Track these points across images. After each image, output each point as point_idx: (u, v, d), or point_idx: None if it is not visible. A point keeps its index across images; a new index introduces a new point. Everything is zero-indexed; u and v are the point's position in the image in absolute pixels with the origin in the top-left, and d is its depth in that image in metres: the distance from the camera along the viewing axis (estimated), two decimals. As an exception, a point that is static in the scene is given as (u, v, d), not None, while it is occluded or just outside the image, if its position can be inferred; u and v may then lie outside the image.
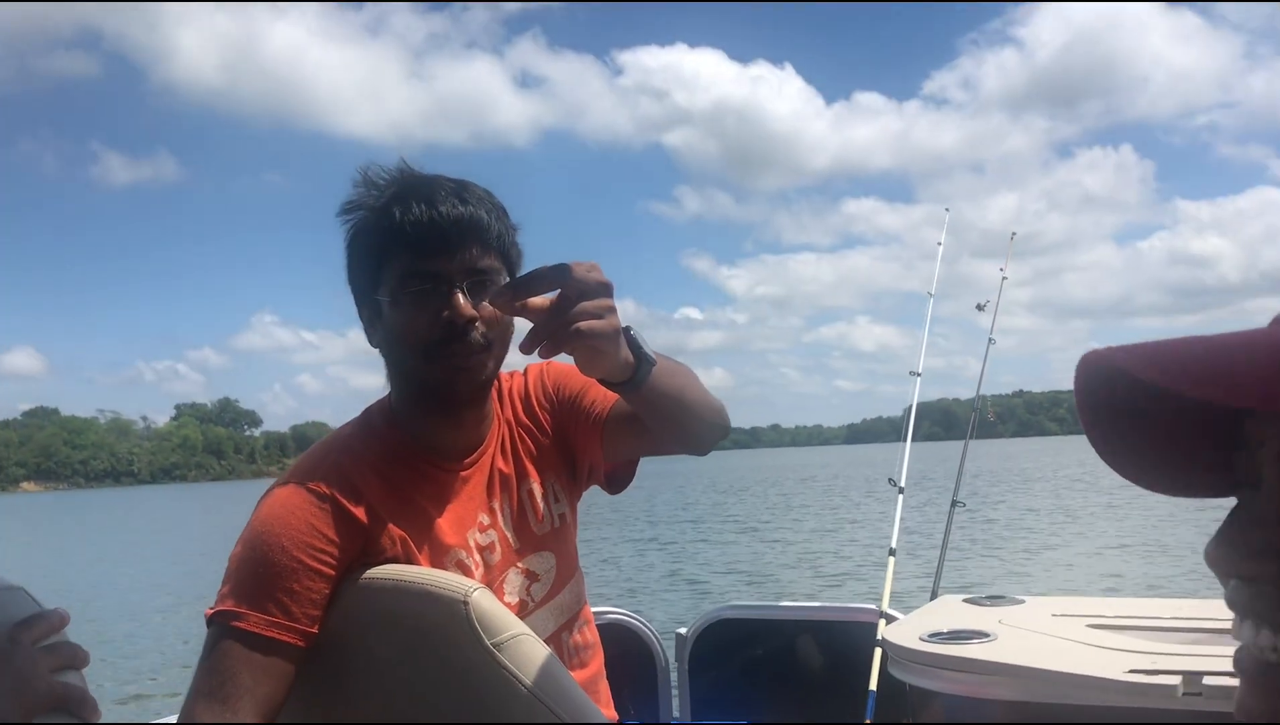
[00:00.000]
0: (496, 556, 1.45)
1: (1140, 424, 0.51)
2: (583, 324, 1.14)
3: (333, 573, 1.31)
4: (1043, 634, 2.05)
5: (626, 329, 1.23)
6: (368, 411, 1.49)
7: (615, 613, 2.70)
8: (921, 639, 2.05)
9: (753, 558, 17.40)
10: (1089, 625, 2.09)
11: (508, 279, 1.36)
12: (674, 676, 2.74)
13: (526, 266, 1.41)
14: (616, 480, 1.61)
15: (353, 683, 1.32)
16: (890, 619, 2.53)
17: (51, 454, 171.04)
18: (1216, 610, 2.01)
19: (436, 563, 1.39)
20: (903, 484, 3.49)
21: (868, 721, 2.47)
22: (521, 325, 1.21)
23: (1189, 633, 1.98)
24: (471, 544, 1.43)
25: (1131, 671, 1.74)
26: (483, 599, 1.24)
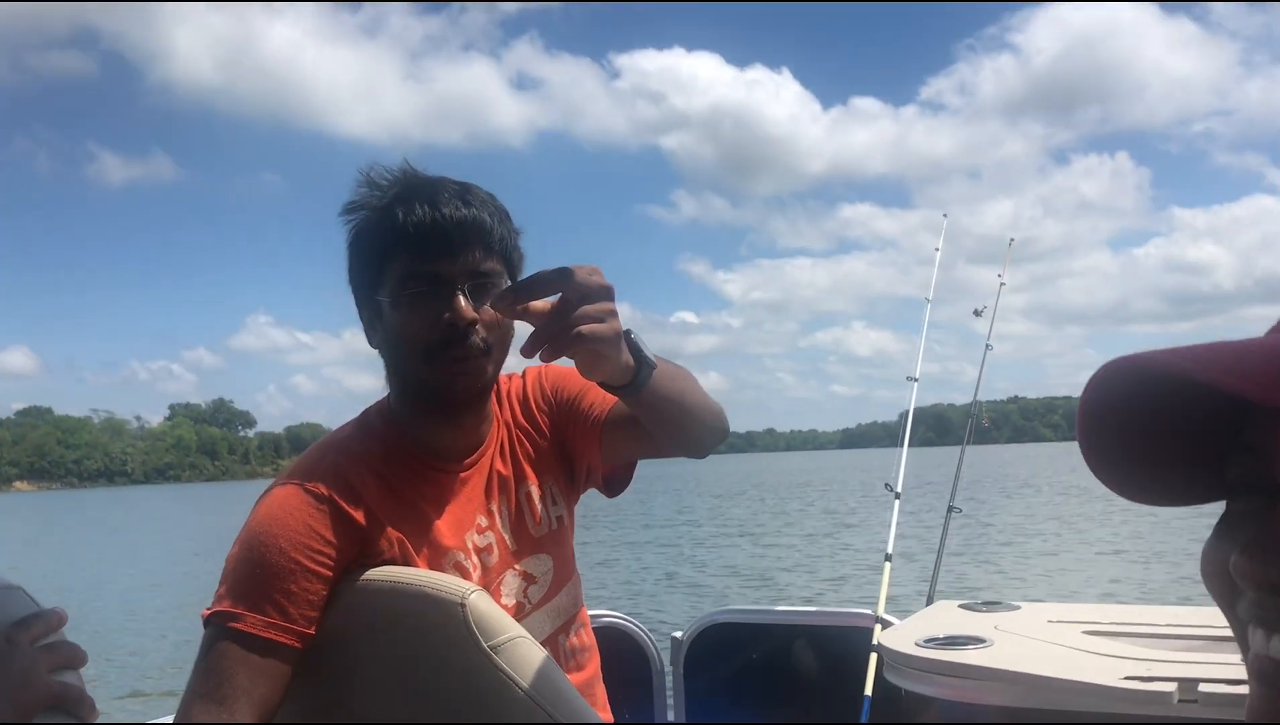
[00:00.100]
0: (494, 558, 1.45)
1: (1130, 437, 0.51)
2: (584, 328, 1.14)
3: (330, 574, 1.31)
4: (1038, 640, 2.05)
5: (627, 332, 1.23)
6: (366, 412, 1.49)
7: (610, 616, 2.70)
8: (917, 644, 2.05)
9: (749, 562, 17.40)
10: (1085, 631, 2.09)
11: (509, 282, 1.36)
12: (669, 680, 2.74)
13: (525, 270, 1.41)
14: (614, 483, 1.60)
15: (349, 684, 1.32)
16: (886, 624, 2.53)
17: (45, 453, 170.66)
18: (1212, 618, 2.01)
19: (435, 564, 1.38)
20: (899, 489, 3.49)
21: (862, 723, 2.46)
22: (522, 329, 1.22)
23: (1185, 639, 1.99)
24: (469, 546, 1.43)
25: (1127, 678, 1.74)
26: (480, 601, 1.24)
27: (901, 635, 2.16)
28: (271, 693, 1.26)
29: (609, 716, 1.59)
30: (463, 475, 1.45)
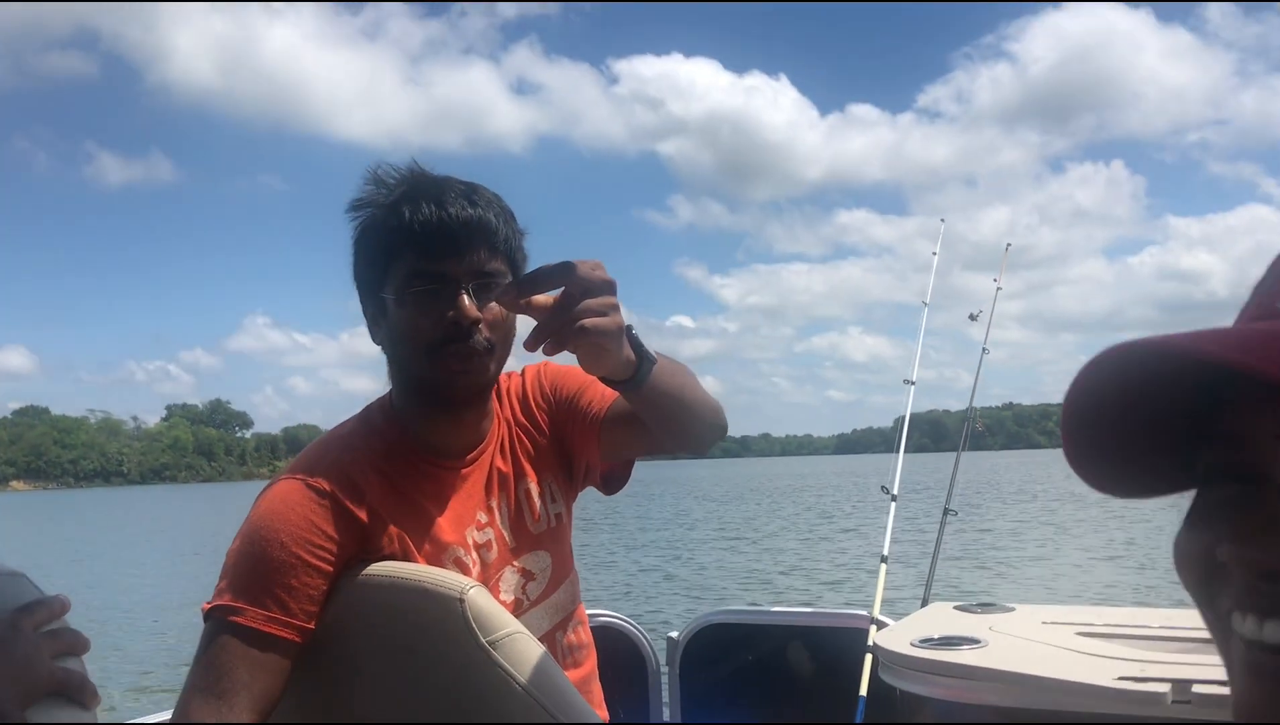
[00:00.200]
0: (493, 555, 1.46)
1: (1105, 429, 0.51)
2: (587, 321, 1.15)
3: (331, 569, 1.31)
4: (1033, 641, 2.06)
5: (628, 327, 1.24)
6: (368, 409, 1.49)
7: (606, 615, 2.70)
8: (912, 644, 2.06)
9: (745, 564, 17.40)
10: (1078, 633, 2.10)
11: None
12: (665, 680, 2.74)
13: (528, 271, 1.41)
14: (612, 481, 1.61)
15: (349, 679, 1.33)
16: (881, 625, 2.53)
17: (41, 453, 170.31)
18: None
19: (435, 560, 1.39)
20: (896, 492, 3.50)
21: (857, 723, 2.47)
22: (524, 325, 1.22)
23: (1178, 641, 1.99)
24: (469, 542, 1.44)
25: (1121, 679, 1.75)
26: (479, 597, 1.25)
27: (896, 636, 2.16)
28: (271, 687, 1.26)
29: (605, 715, 1.59)
30: (463, 472, 1.46)
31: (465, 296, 1.32)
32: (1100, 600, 11.70)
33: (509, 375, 1.56)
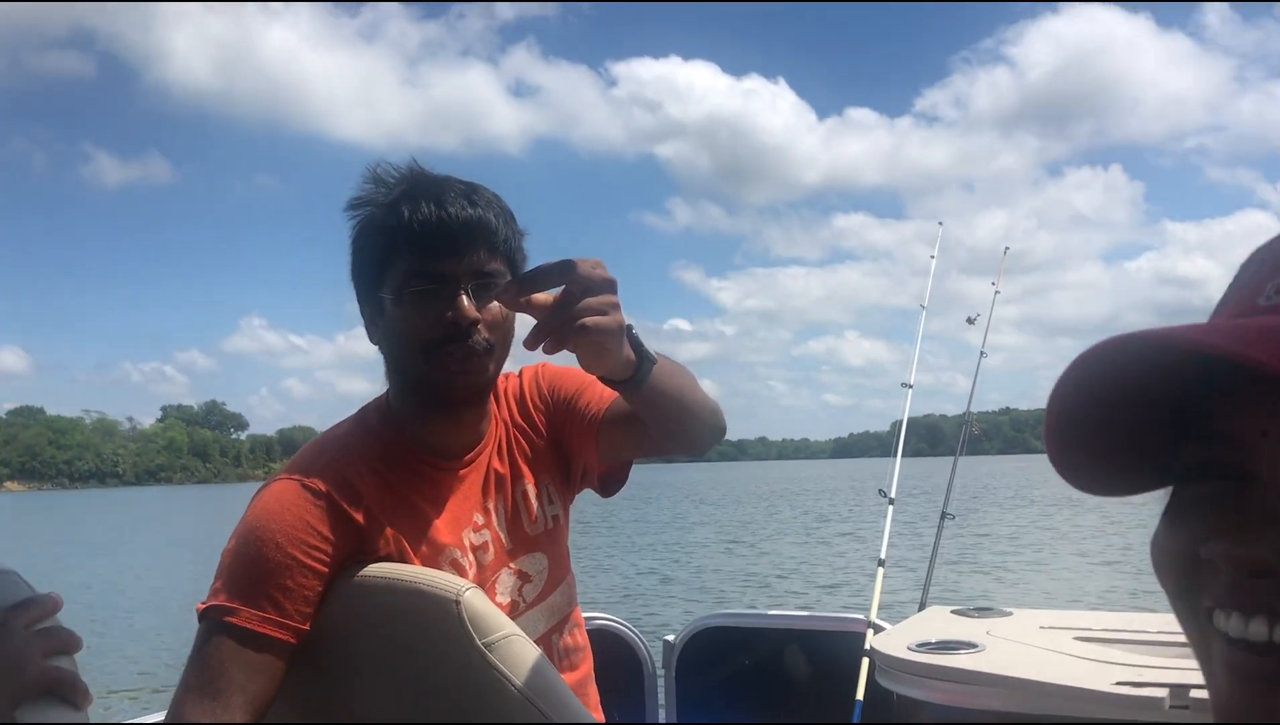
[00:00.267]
0: (490, 556, 1.45)
1: (1087, 426, 0.51)
2: (588, 320, 1.14)
3: (326, 570, 1.31)
4: (1030, 645, 2.06)
5: (629, 327, 1.23)
6: (364, 410, 1.49)
7: (603, 618, 2.70)
8: (909, 649, 2.05)
9: (742, 567, 17.40)
10: (1076, 637, 2.10)
11: None
12: (661, 683, 2.73)
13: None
14: (610, 483, 1.61)
15: (344, 680, 1.32)
16: (878, 629, 2.53)
17: (36, 454, 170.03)
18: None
19: (431, 561, 1.38)
20: (893, 495, 3.50)
21: (854, 723, 2.47)
22: (523, 326, 1.22)
23: (1176, 647, 1.99)
24: (466, 543, 1.43)
25: (1119, 683, 1.75)
26: (475, 599, 1.25)
27: (894, 639, 2.16)
28: (265, 688, 1.25)
29: (601, 718, 1.58)
30: (460, 473, 1.45)
31: (464, 297, 1.31)
32: (1098, 605, 11.70)
33: (506, 376, 1.56)
